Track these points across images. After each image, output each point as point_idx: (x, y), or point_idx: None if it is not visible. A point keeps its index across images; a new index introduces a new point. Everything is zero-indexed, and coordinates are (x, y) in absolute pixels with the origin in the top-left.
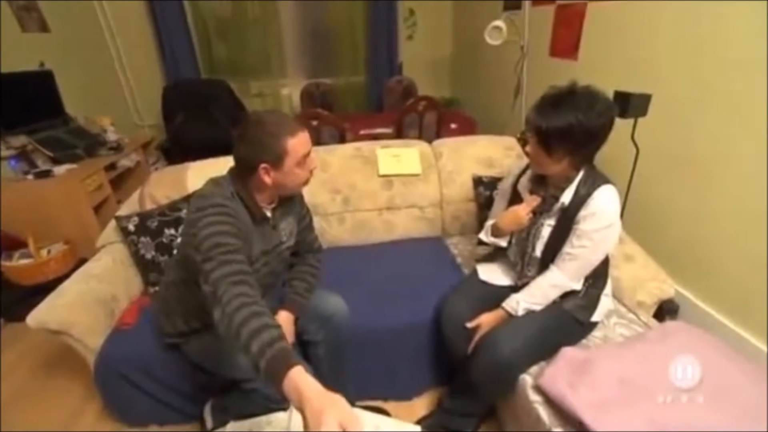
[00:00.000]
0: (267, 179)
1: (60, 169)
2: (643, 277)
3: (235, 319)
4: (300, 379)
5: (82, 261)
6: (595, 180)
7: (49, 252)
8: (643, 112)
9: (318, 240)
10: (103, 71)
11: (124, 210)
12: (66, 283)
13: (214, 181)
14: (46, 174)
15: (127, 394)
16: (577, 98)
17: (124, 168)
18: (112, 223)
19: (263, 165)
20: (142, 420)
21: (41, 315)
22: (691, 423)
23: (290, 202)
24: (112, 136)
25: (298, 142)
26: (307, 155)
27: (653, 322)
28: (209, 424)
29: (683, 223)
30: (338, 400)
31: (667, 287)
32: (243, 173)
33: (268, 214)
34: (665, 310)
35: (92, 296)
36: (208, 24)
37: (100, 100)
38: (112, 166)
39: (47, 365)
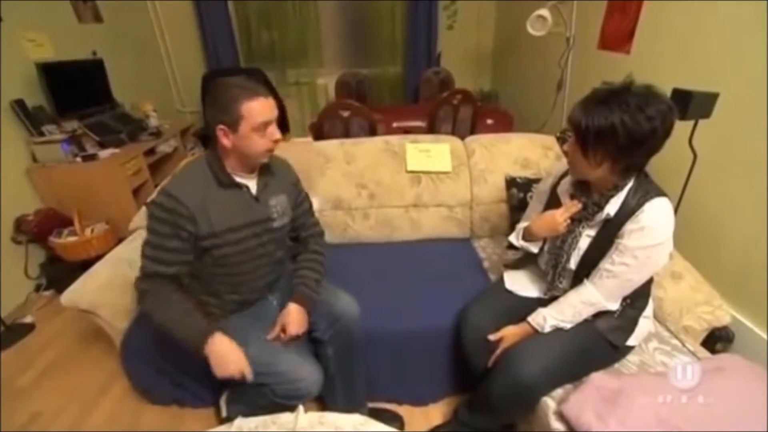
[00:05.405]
0: (226, 141)
1: (104, 153)
2: (692, 300)
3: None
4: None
5: (122, 240)
6: (647, 191)
7: (92, 231)
8: (706, 113)
9: (319, 224)
10: (150, 58)
11: (155, 196)
12: (98, 265)
13: (199, 157)
14: (92, 157)
15: (150, 374)
16: (629, 97)
17: (163, 153)
18: (144, 208)
19: (220, 126)
20: (163, 400)
21: (73, 295)
22: None
23: (276, 178)
24: (153, 121)
25: (256, 107)
26: (267, 123)
27: (702, 351)
28: (224, 412)
29: (743, 239)
30: None
31: (722, 314)
32: (213, 138)
33: (247, 183)
34: (717, 337)
35: (121, 279)
36: (248, 13)
37: (146, 87)
38: (151, 151)
39: (84, 339)
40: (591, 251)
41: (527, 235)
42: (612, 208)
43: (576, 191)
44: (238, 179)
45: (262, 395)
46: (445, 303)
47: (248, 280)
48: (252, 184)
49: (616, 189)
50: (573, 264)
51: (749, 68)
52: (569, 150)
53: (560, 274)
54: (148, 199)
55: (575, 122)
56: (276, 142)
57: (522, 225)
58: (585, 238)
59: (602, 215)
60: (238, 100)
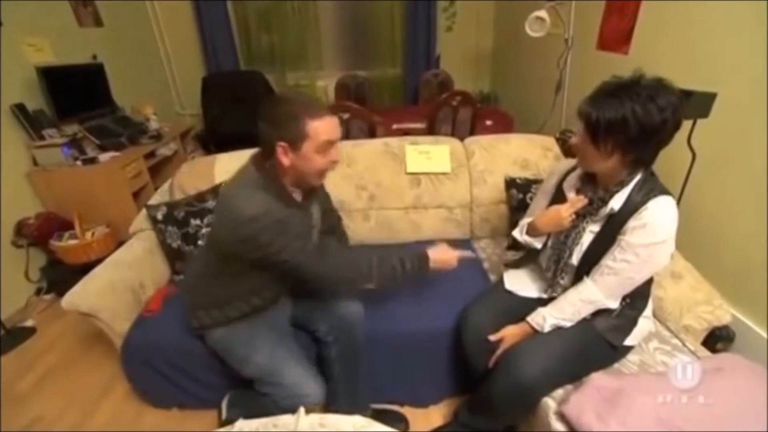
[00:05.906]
0: (284, 159)
1: (105, 156)
2: (692, 300)
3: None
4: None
5: (122, 243)
6: (652, 188)
7: (93, 234)
8: (704, 113)
9: (336, 211)
10: (149, 62)
11: (155, 199)
12: (98, 269)
13: (247, 178)
14: (92, 161)
15: (151, 377)
16: (640, 89)
17: (163, 156)
18: (144, 211)
19: (281, 143)
20: (165, 402)
21: (74, 298)
22: None
23: (315, 190)
24: (153, 124)
25: (321, 126)
26: (331, 143)
27: (703, 351)
28: (225, 415)
29: (742, 239)
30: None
31: (722, 313)
32: (266, 155)
33: (298, 199)
34: (717, 337)
35: (121, 283)
36: (248, 16)
37: (146, 90)
38: (151, 154)
39: (84, 342)
40: (593, 247)
41: (531, 231)
42: (616, 203)
43: (582, 186)
44: (295, 197)
45: (262, 406)
46: (445, 304)
47: (279, 283)
48: (299, 198)
49: (622, 184)
50: (575, 260)
51: (748, 68)
52: (578, 142)
53: (562, 270)
54: (148, 202)
55: (585, 115)
56: (334, 162)
57: (526, 220)
58: (588, 234)
59: (606, 210)
60: (302, 118)
